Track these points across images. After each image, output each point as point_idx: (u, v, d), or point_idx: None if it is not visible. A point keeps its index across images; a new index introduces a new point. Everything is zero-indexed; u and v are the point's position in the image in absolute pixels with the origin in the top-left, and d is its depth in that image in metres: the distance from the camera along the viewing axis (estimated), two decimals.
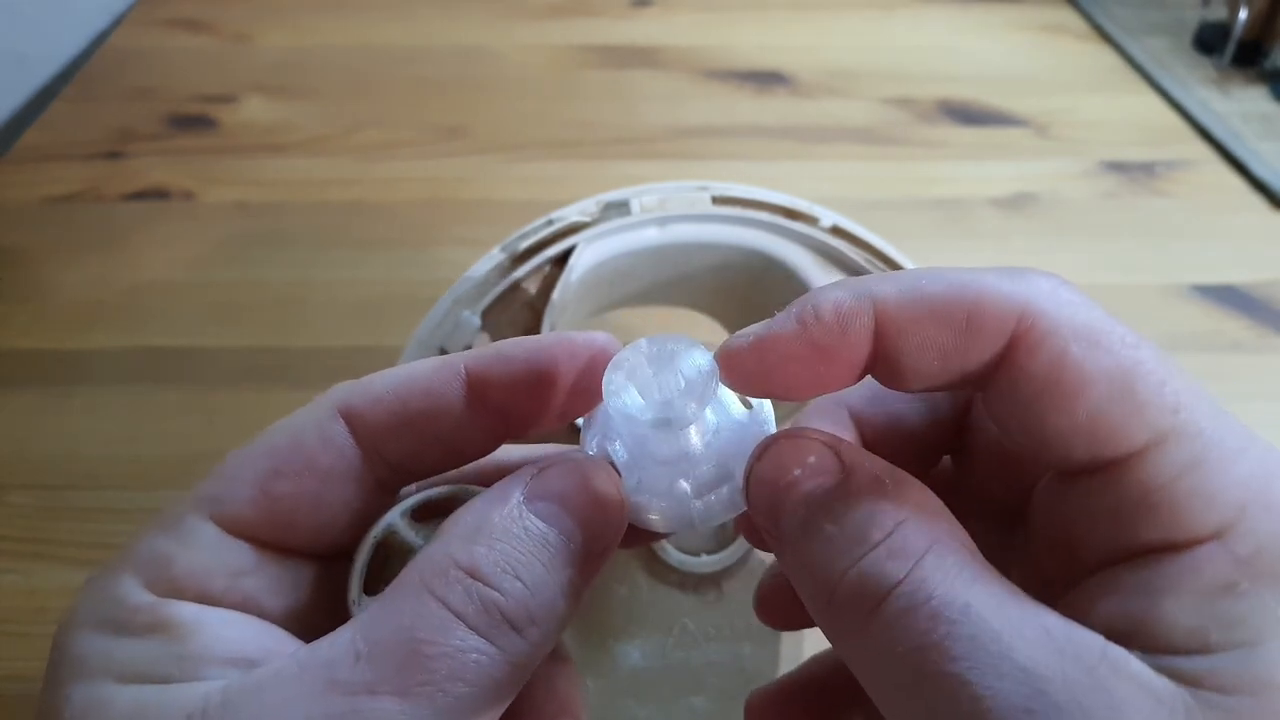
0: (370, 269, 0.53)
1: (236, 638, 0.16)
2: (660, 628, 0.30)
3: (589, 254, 0.33)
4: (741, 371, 0.17)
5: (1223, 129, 0.66)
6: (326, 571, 0.18)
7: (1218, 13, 0.77)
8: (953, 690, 0.13)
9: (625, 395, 0.17)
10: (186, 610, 0.16)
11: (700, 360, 0.17)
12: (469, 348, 0.31)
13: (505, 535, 0.16)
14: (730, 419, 0.18)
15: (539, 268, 0.33)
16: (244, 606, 0.16)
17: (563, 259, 0.33)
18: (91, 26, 0.77)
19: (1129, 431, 0.14)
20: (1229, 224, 0.59)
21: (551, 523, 0.16)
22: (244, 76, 0.70)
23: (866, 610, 0.14)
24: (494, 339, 0.32)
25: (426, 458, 0.18)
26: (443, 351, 0.32)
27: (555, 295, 0.32)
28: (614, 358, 0.17)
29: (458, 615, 0.15)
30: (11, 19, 0.69)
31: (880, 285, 0.16)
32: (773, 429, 0.18)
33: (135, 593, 0.16)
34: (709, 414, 0.18)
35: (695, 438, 0.18)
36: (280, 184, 0.60)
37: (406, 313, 0.36)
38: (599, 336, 0.18)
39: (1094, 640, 0.13)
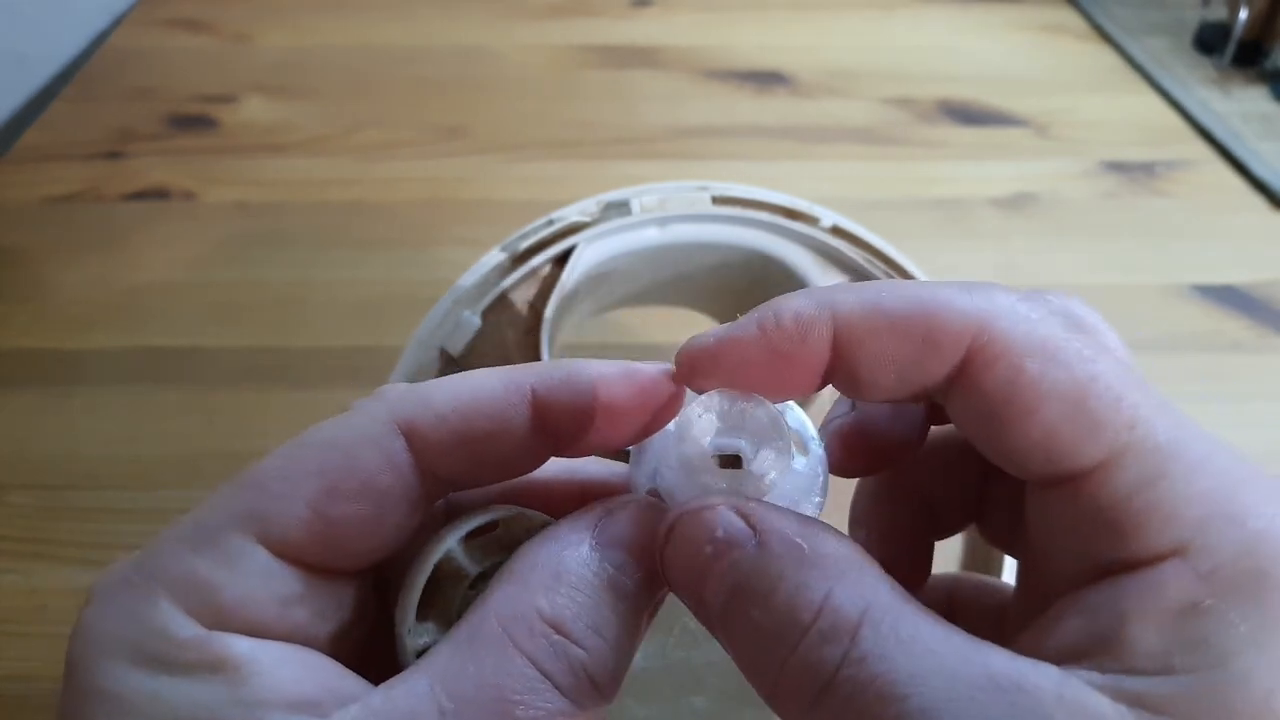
0: (370, 269, 0.53)
1: (295, 678, 0.14)
2: (660, 628, 0.30)
3: (589, 254, 0.33)
4: (700, 372, 0.17)
5: (1223, 129, 0.66)
6: (364, 587, 0.17)
7: (1218, 13, 0.77)
8: None
9: (705, 470, 0.17)
10: (239, 646, 0.14)
11: (775, 439, 0.17)
12: (470, 347, 0.31)
13: (584, 585, 0.15)
14: (789, 468, 0.18)
15: (539, 268, 0.33)
16: (293, 635, 0.15)
17: (563, 259, 0.33)
18: (91, 26, 0.77)
19: (1083, 449, 0.14)
20: (1229, 224, 0.59)
21: (624, 572, 0.16)
22: (244, 76, 0.70)
23: (810, 699, 0.14)
24: (494, 339, 0.32)
25: (478, 474, 0.17)
26: (443, 352, 0.32)
27: (555, 295, 0.32)
28: (682, 415, 0.17)
29: (545, 674, 0.14)
30: (11, 19, 0.69)
31: (841, 295, 0.16)
32: (823, 477, 0.18)
33: (179, 623, 0.14)
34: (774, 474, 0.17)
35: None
36: (280, 184, 0.60)
37: (406, 313, 0.36)
38: (667, 376, 0.17)
39: (1046, 681, 0.13)
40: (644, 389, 0.17)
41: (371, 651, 0.17)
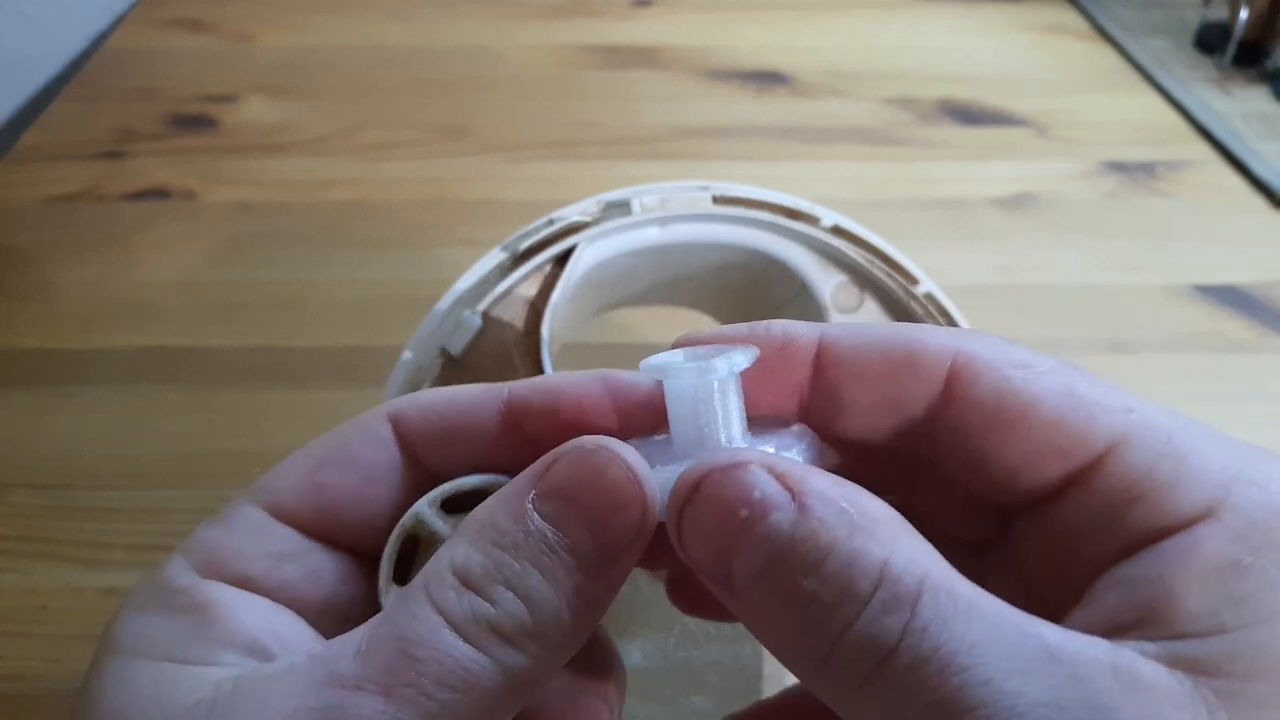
0: (371, 269, 0.53)
1: (259, 626, 0.16)
2: (660, 628, 0.30)
3: (590, 254, 0.33)
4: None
5: (1223, 129, 0.66)
6: (369, 568, 0.18)
7: (1219, 13, 0.77)
8: None
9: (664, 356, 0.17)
10: (221, 592, 0.16)
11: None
12: (470, 347, 0.31)
13: (505, 540, 0.15)
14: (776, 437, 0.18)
15: (540, 267, 0.33)
16: (280, 591, 0.17)
17: (564, 259, 0.33)
18: (92, 26, 0.77)
19: (1089, 435, 0.15)
20: (1229, 224, 0.59)
21: (557, 524, 0.15)
22: (245, 76, 0.70)
23: (865, 673, 0.13)
24: (495, 339, 0.32)
25: (462, 471, 0.18)
26: (444, 351, 0.32)
27: (556, 295, 0.32)
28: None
29: (449, 621, 0.14)
30: (11, 19, 0.69)
31: (830, 326, 0.17)
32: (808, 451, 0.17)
33: (181, 574, 0.16)
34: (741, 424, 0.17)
35: (735, 425, 0.17)
36: (281, 184, 0.60)
37: (407, 313, 0.36)
38: (644, 381, 0.17)
39: (1100, 653, 0.13)
40: (613, 392, 0.18)
41: None
